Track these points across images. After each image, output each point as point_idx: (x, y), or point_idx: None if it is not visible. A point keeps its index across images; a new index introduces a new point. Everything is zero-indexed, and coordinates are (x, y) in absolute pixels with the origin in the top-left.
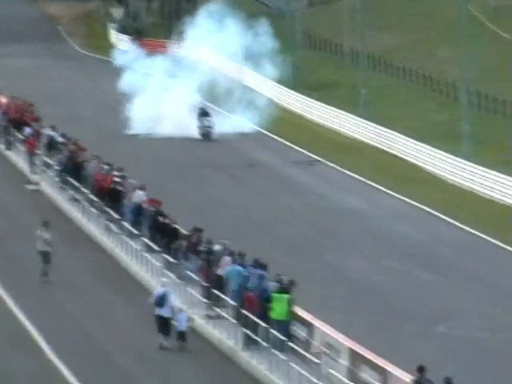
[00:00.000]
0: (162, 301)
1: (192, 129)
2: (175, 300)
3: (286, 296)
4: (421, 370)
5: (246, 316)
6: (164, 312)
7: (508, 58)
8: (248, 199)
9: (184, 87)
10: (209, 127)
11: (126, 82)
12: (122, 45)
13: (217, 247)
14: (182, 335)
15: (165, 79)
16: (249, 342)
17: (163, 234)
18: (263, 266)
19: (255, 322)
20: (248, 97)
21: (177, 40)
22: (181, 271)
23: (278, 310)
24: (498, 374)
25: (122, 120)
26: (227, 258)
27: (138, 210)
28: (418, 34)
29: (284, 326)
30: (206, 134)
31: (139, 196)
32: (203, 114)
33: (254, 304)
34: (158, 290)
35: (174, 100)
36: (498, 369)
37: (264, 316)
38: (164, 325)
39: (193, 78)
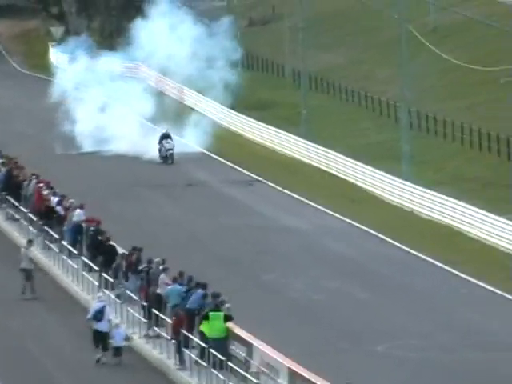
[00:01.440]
0: (100, 315)
1: (140, 147)
2: (111, 315)
3: (221, 313)
4: None
5: (185, 336)
6: (102, 326)
7: (448, 79)
8: (187, 218)
9: (125, 105)
10: (170, 150)
11: (58, 92)
12: (62, 63)
13: (154, 267)
14: (118, 351)
15: (104, 96)
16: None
17: (103, 253)
18: (203, 286)
19: (187, 340)
20: (188, 116)
21: (117, 58)
22: (120, 290)
23: (214, 327)
24: None
25: (62, 138)
26: (163, 276)
27: (77, 229)
28: (358, 54)
29: (221, 344)
30: (168, 157)
31: (78, 215)
32: (164, 136)
33: (183, 323)
34: (95, 304)
35: (118, 118)
36: None
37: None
38: (101, 339)
39: (133, 96)
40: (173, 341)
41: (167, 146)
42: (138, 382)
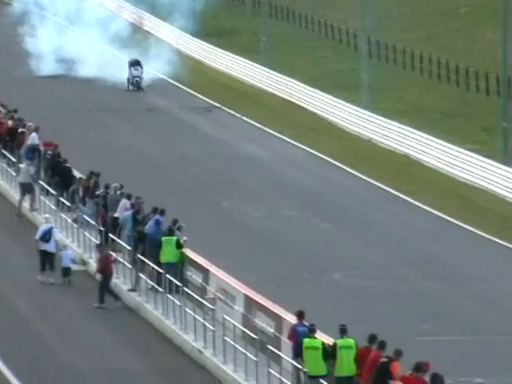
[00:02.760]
0: (47, 236)
1: (101, 71)
2: (58, 236)
3: (174, 238)
4: (300, 315)
5: (141, 261)
6: (49, 247)
7: (408, 8)
8: (145, 144)
9: (85, 29)
10: (138, 77)
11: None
12: None
13: (111, 192)
14: (66, 271)
15: (64, 21)
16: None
17: (59, 174)
18: (161, 212)
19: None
20: (147, 42)
21: None
22: (77, 215)
23: (166, 252)
24: (391, 321)
25: (21, 61)
26: (125, 201)
27: (32, 152)
28: None
29: (174, 269)
30: (135, 84)
31: (33, 138)
32: (133, 63)
33: (109, 262)
34: (43, 226)
35: (79, 42)
36: (391, 316)
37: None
38: (49, 260)
39: (93, 20)
40: (131, 266)
41: (135, 72)
42: (92, 307)
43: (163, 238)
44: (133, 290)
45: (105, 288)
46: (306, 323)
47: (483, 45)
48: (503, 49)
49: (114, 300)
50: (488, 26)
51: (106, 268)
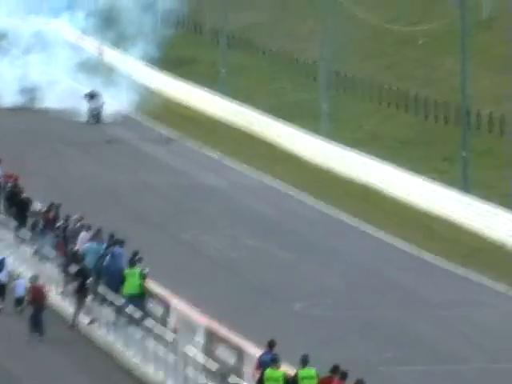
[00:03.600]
0: (0, 266)
1: (61, 103)
2: (15, 266)
3: (137, 270)
4: (270, 344)
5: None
6: (1, 277)
7: (368, 38)
8: (106, 175)
9: (45, 62)
10: (97, 108)
11: None
12: None
13: (71, 224)
14: (19, 301)
15: (22, 53)
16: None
17: (20, 210)
18: (120, 243)
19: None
20: (107, 73)
21: (32, 14)
22: (38, 247)
23: (130, 284)
24: (354, 350)
25: None
26: (85, 233)
27: None
28: (276, 13)
29: (137, 301)
30: (95, 116)
31: None
32: (91, 96)
33: (40, 294)
34: None
35: (39, 73)
36: (352, 347)
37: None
38: (1, 289)
39: (51, 52)
40: (92, 298)
41: (94, 104)
42: (51, 337)
43: (126, 271)
44: (72, 326)
45: (34, 319)
46: (273, 353)
47: (442, 74)
48: (462, 78)
49: (38, 334)
50: (447, 55)
51: (38, 299)
